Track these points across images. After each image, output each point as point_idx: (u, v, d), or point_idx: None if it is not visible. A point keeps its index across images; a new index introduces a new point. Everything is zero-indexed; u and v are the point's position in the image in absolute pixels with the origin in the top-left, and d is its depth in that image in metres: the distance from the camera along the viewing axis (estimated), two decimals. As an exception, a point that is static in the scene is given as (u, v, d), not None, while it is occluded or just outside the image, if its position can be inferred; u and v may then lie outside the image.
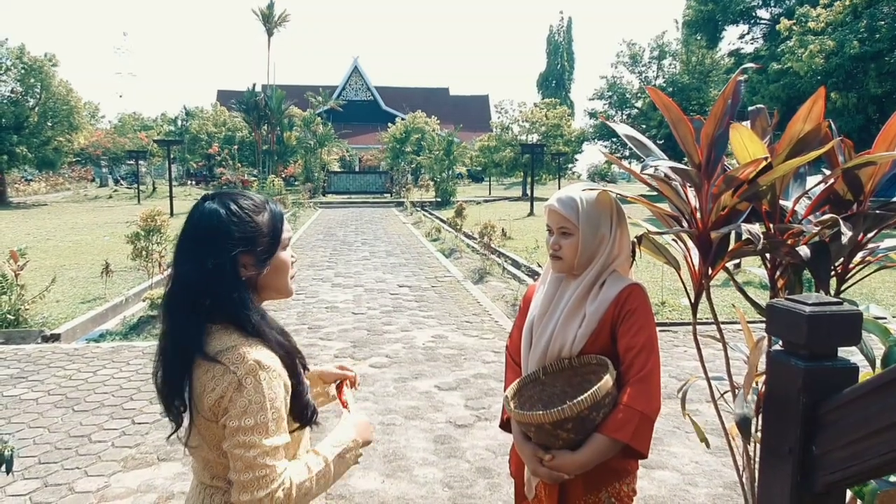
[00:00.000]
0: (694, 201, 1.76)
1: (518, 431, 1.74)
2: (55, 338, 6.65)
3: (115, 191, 36.45)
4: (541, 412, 1.55)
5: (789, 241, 1.63)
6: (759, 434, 1.42)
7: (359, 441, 1.50)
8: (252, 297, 1.38)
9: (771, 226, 1.70)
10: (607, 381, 1.57)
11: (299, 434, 1.45)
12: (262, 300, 1.44)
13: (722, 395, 2.02)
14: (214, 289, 1.31)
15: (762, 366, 1.44)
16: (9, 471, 2.28)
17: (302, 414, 1.41)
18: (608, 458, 1.61)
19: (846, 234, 1.55)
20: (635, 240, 1.84)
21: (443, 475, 3.74)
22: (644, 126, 37.49)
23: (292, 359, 1.40)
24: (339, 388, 1.76)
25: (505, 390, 1.86)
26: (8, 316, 6.81)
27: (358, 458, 1.49)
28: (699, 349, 1.93)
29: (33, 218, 21.12)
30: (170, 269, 1.39)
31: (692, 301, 1.87)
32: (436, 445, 4.14)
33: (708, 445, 2.02)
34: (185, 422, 1.37)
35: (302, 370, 1.47)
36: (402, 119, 38.54)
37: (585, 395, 1.53)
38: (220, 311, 1.33)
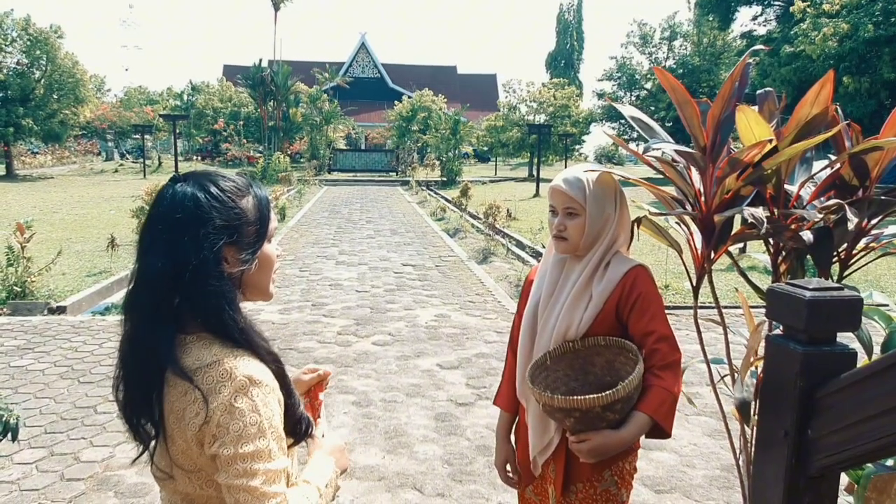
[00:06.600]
0: (698, 184, 1.75)
1: (541, 415, 1.74)
2: (61, 310, 6.72)
3: (121, 165, 36.47)
4: (593, 396, 1.52)
5: (793, 226, 1.62)
6: (756, 417, 1.43)
7: (338, 472, 1.33)
8: (238, 298, 1.19)
9: (775, 210, 1.69)
10: (640, 358, 1.62)
11: (291, 451, 1.30)
12: (243, 301, 1.24)
13: (721, 378, 2.02)
14: (192, 289, 1.11)
15: (762, 350, 1.44)
16: (14, 438, 2.31)
17: (295, 429, 1.23)
18: None
19: (852, 219, 1.54)
20: (635, 221, 1.84)
21: (443, 452, 3.78)
22: (653, 108, 37.19)
23: (282, 369, 1.21)
24: (312, 396, 1.52)
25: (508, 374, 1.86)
26: (14, 288, 6.88)
27: (338, 490, 1.33)
28: (699, 332, 1.93)
29: (39, 191, 21.18)
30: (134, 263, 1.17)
31: (694, 284, 1.87)
32: (436, 423, 4.18)
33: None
34: (153, 443, 1.18)
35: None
36: (409, 97, 38.22)
37: (633, 375, 1.55)
38: (194, 317, 1.13)
